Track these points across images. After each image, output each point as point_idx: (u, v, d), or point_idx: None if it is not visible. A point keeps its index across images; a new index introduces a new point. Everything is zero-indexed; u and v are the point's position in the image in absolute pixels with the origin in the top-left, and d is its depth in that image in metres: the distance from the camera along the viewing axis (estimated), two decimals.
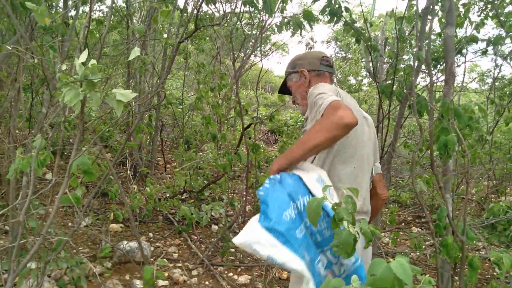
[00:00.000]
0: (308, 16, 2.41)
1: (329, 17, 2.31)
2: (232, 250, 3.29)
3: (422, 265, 3.55)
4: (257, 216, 1.22)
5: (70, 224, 3.37)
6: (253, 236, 1.14)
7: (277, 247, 1.13)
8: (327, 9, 2.26)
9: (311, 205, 1.05)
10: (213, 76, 6.03)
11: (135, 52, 1.61)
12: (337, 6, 2.26)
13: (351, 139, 1.47)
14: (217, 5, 4.72)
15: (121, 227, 3.47)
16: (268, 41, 11.79)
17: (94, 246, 3.05)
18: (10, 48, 1.63)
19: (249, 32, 6.95)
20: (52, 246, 2.33)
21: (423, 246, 3.24)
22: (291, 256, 1.13)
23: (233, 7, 6.66)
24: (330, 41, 15.32)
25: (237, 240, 1.15)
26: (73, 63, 1.46)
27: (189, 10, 4.77)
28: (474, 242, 3.66)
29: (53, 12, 3.64)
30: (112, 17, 4.72)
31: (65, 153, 4.68)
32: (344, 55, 14.76)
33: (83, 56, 1.45)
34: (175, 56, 2.96)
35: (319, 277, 1.21)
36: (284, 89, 1.80)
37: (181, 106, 6.53)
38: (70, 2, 3.55)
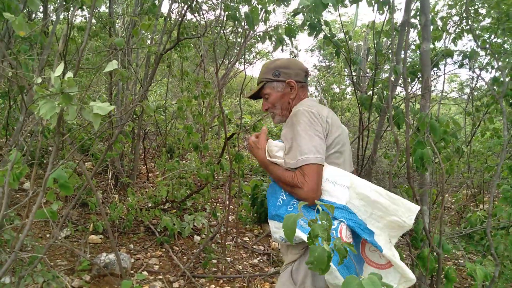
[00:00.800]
0: (290, 32, 2.45)
1: (309, 30, 2.35)
2: (214, 261, 3.26)
3: None
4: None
5: (48, 235, 3.29)
6: (270, 228, 1.53)
7: (281, 228, 1.39)
8: (307, 23, 2.30)
9: (287, 222, 1.06)
10: (197, 84, 6.02)
11: (112, 65, 1.60)
12: (316, 20, 2.30)
13: (344, 148, 1.54)
14: (201, 13, 4.73)
15: (101, 238, 3.40)
16: (252, 49, 11.86)
17: (72, 259, 2.98)
18: None
19: (234, 40, 6.98)
20: (27, 261, 2.28)
21: (404, 256, 3.28)
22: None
23: (217, 14, 6.69)
24: (314, 50, 15.51)
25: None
26: (49, 76, 1.44)
27: (173, 17, 4.76)
28: (453, 251, 3.73)
29: (33, 19, 3.58)
30: (94, 23, 4.67)
31: (45, 162, 4.58)
32: (328, 63, 14.94)
33: (59, 69, 1.44)
34: (157, 65, 2.94)
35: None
36: (257, 95, 1.72)
37: (164, 114, 6.48)
38: (51, 8, 3.51)
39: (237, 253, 3.60)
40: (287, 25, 2.48)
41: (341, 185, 1.42)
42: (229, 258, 3.41)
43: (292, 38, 2.48)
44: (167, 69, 5.89)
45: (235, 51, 7.30)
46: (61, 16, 4.21)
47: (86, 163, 5.12)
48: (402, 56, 2.36)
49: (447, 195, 6.20)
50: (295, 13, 2.42)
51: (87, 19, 5.04)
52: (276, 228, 1.51)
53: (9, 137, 3.94)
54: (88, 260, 2.62)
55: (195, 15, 4.26)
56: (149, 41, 5.54)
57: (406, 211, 1.38)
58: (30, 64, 2.63)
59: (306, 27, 2.54)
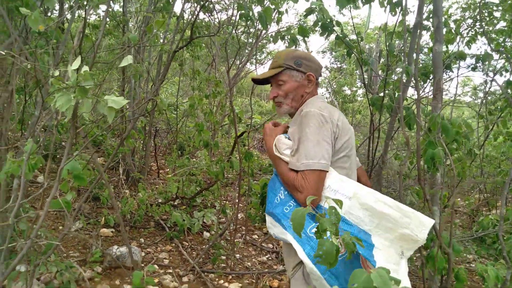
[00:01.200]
0: (303, 32, 2.46)
1: (321, 31, 2.36)
2: (223, 257, 3.29)
3: (413, 277, 3.57)
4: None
5: (61, 227, 3.36)
6: (267, 221, 1.57)
7: (275, 225, 1.50)
8: (319, 23, 2.31)
9: (295, 216, 1.08)
10: (208, 83, 6.06)
11: (128, 60, 1.64)
12: (328, 20, 2.30)
13: (351, 152, 1.53)
14: (214, 12, 4.77)
15: (112, 232, 3.46)
16: (264, 49, 11.87)
17: (84, 251, 3.03)
18: (3, 53, 1.64)
19: (245, 40, 7.01)
20: (42, 250, 2.33)
21: (414, 258, 3.26)
22: (282, 231, 1.46)
23: (229, 14, 6.73)
24: (326, 52, 15.46)
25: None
26: (66, 69, 1.48)
27: (186, 17, 4.81)
28: (464, 254, 3.69)
29: (49, 15, 3.66)
30: (108, 21, 4.75)
31: (58, 156, 4.66)
32: (339, 65, 14.88)
33: (76, 62, 1.47)
34: (170, 63, 2.98)
35: (312, 240, 1.37)
36: (262, 80, 1.64)
37: (175, 112, 6.54)
38: (66, 6, 3.58)
39: (246, 250, 3.63)
40: (299, 25, 2.49)
41: (342, 195, 1.38)
42: (238, 255, 3.44)
43: (305, 38, 2.49)
44: (179, 67, 5.94)
45: (246, 51, 7.34)
46: (76, 14, 4.28)
47: (98, 158, 5.19)
48: (414, 57, 2.35)
49: (458, 199, 6.13)
50: (308, 12, 2.43)
51: (102, 17, 5.12)
52: (271, 224, 1.54)
53: (24, 132, 4.03)
54: (100, 250, 2.67)
55: (207, 14, 4.31)
56: (161, 40, 5.59)
57: (419, 225, 1.32)
58: (46, 59, 2.68)
59: (318, 28, 2.56)
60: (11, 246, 2.27)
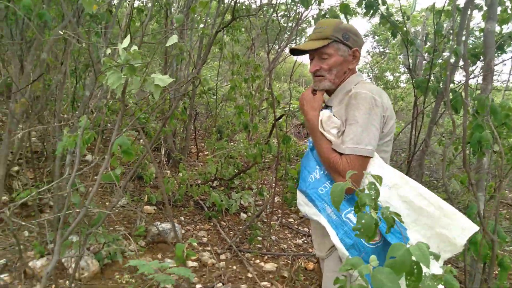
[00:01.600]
0: (345, 9, 2.40)
1: (365, 10, 2.30)
2: (260, 238, 3.36)
3: (452, 265, 3.48)
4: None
5: (107, 203, 3.56)
6: (298, 198, 1.52)
7: (307, 205, 1.46)
8: (364, 2, 2.25)
9: (335, 189, 1.09)
10: (247, 67, 6.10)
11: (173, 39, 1.70)
12: None
13: (391, 131, 1.47)
14: None
15: (154, 209, 3.63)
16: (303, 33, 11.70)
17: (129, 225, 3.21)
18: (62, 33, 1.75)
19: (285, 24, 6.94)
20: (91, 222, 2.50)
21: None
22: (315, 211, 1.43)
23: None
24: (367, 35, 14.99)
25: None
26: (116, 47, 1.56)
27: (226, 1, 4.84)
28: (510, 248, 3.53)
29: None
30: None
31: (104, 137, 4.91)
32: (382, 50, 14.40)
33: (126, 41, 1.55)
34: (211, 46, 3.03)
35: (347, 225, 1.34)
36: (301, 51, 1.51)
37: (215, 96, 6.65)
38: None
39: (281, 233, 3.68)
40: (341, 3, 2.43)
41: (383, 183, 1.35)
42: (274, 237, 3.50)
43: (348, 16, 2.43)
44: (219, 51, 6.01)
45: (285, 36, 7.27)
46: None
47: (140, 140, 5.42)
48: (464, 38, 2.24)
49: (506, 190, 5.82)
50: None
51: (145, 2, 5.27)
52: (303, 202, 1.50)
53: (74, 112, 4.27)
54: (144, 225, 2.81)
55: None
56: (202, 25, 5.67)
57: (459, 229, 1.24)
58: (97, 40, 2.82)
59: (361, 8, 2.49)
60: (66, 215, 2.46)
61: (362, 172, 1.31)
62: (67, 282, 2.28)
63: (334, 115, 1.44)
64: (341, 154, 1.36)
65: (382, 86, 9.97)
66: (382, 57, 12.97)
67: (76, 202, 2.38)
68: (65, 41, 3.19)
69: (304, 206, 1.50)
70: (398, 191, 1.32)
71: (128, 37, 1.53)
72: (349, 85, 1.47)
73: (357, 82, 1.48)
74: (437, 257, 0.94)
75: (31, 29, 2.94)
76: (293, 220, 4.05)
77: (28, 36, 3.09)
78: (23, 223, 2.29)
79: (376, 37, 14.46)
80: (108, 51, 1.51)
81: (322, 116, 1.44)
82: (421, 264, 0.85)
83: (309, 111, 1.48)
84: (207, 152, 6.13)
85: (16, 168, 3.39)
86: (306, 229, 3.82)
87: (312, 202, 1.46)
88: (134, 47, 1.56)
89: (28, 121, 2.94)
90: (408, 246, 0.88)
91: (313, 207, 1.46)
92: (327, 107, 1.53)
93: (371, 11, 2.29)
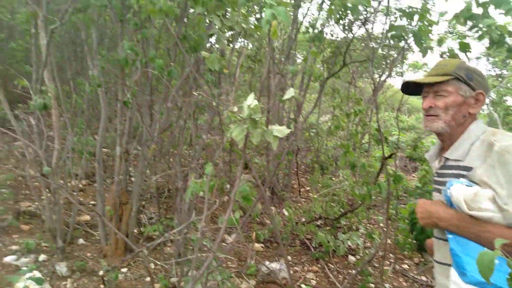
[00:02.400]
0: (465, 47, 2.24)
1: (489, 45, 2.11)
2: (372, 285, 3.17)
3: None
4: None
5: (223, 244, 3.76)
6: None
7: None
8: (487, 35, 2.07)
9: (482, 258, 0.98)
10: (347, 101, 6.03)
11: (290, 92, 1.78)
12: (499, 32, 2.02)
13: None
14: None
15: (262, 247, 3.70)
16: (404, 60, 11.17)
17: (240, 262, 3.32)
18: (196, 94, 1.97)
19: (383, 53, 6.74)
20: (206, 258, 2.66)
21: None
22: None
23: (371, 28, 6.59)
24: (480, 57, 13.65)
25: None
26: (240, 105, 1.69)
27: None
28: None
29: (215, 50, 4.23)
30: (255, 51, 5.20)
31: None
32: (499, 72, 12.93)
33: (250, 97, 1.67)
34: (321, 91, 3.09)
35: None
36: (412, 90, 1.39)
37: (315, 131, 6.67)
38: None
39: (395, 280, 3.41)
40: (461, 42, 2.26)
41: None
42: (387, 285, 3.26)
43: (467, 54, 2.26)
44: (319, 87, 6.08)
45: (387, 65, 7.03)
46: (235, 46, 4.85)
47: (245, 175, 5.66)
48: None
49: None
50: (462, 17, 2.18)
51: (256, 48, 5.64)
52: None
53: (190, 152, 4.68)
54: (255, 264, 2.87)
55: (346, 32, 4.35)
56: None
57: None
58: (212, 90, 3.10)
59: (484, 38, 2.29)
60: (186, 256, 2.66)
61: None
62: None
63: (475, 181, 1.19)
64: None
65: (502, 113, 8.88)
66: (500, 80, 11.64)
67: (195, 240, 2.57)
68: (184, 89, 3.58)
69: None
70: None
71: (252, 94, 1.65)
72: (475, 134, 1.26)
73: (484, 130, 1.27)
74: None
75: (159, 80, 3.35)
76: (407, 267, 3.74)
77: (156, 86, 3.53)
78: (153, 260, 2.53)
79: (490, 59, 13.09)
80: (235, 108, 1.64)
81: (462, 196, 1.16)
82: None
83: (439, 213, 1.22)
84: (309, 187, 6.11)
85: (142, 203, 3.82)
86: (423, 278, 3.48)
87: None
88: (255, 103, 1.67)
89: (155, 163, 3.31)
90: None
91: None
92: (447, 160, 1.31)
93: (495, 45, 2.08)
